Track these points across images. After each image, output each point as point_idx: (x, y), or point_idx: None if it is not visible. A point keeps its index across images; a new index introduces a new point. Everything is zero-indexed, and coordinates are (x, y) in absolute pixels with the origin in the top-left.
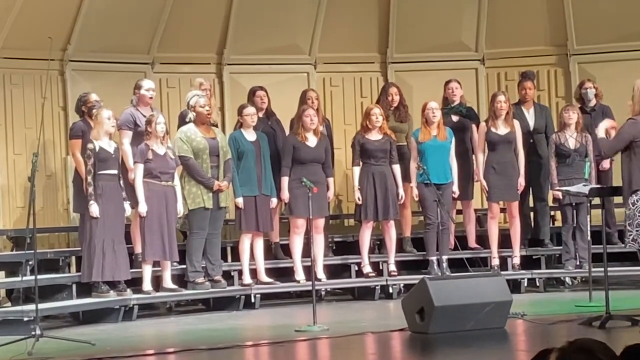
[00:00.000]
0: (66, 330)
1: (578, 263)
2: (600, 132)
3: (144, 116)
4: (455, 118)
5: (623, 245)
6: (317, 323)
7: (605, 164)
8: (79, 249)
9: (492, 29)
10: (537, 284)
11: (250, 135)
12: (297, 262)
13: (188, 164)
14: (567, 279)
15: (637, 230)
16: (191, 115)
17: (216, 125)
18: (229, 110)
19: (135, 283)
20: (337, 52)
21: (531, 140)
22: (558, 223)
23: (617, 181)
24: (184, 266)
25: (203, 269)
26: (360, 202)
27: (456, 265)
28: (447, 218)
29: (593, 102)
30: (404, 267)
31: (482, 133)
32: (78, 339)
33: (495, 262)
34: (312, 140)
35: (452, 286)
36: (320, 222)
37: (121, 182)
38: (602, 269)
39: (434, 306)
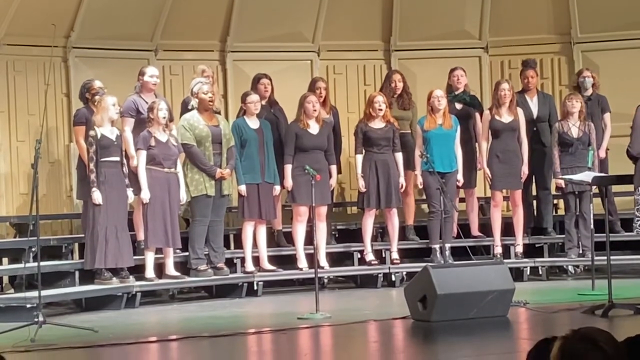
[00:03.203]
0: (69, 317)
1: (581, 251)
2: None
3: (147, 103)
4: (458, 106)
5: (627, 233)
6: (320, 311)
7: (602, 152)
8: (82, 236)
9: (496, 17)
10: (540, 273)
11: (253, 123)
12: (300, 250)
13: (191, 152)
14: (570, 268)
15: None
16: (194, 102)
17: (219, 113)
18: (232, 97)
19: (137, 270)
20: (340, 39)
21: (535, 129)
22: (561, 211)
23: (613, 170)
24: (186, 253)
25: (206, 257)
26: (363, 190)
27: (459, 253)
28: (450, 206)
29: (590, 92)
30: (407, 255)
31: (486, 121)
32: (81, 325)
33: (498, 250)
34: (314, 128)
35: (454, 274)
36: (323, 209)
37: (124, 169)
38: (605, 258)
39: (437, 294)
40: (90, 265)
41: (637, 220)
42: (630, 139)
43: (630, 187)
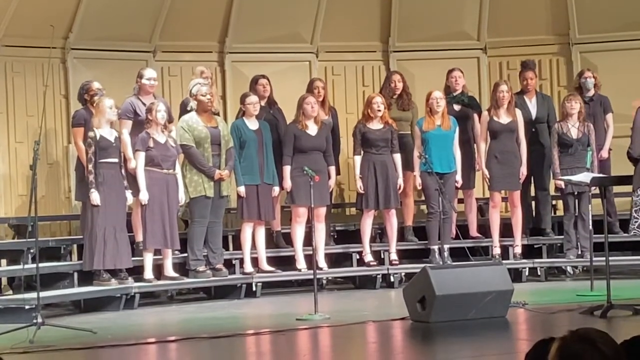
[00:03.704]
0: (67, 319)
1: (579, 252)
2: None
3: (145, 105)
4: (457, 107)
5: (625, 234)
6: (319, 312)
7: (604, 153)
8: (81, 237)
9: (494, 18)
10: (539, 273)
11: (252, 124)
12: (299, 251)
13: (190, 153)
14: (569, 268)
15: None
16: (192, 103)
17: (218, 114)
18: (231, 98)
19: (136, 271)
20: (339, 40)
21: (533, 130)
22: (559, 212)
23: (615, 171)
24: (185, 255)
25: (204, 258)
26: (361, 191)
27: (457, 254)
28: (449, 207)
29: (591, 92)
30: (406, 256)
31: (485, 122)
32: (79, 327)
33: (497, 251)
34: (312, 129)
35: (453, 275)
36: (322, 210)
37: (122, 170)
38: (604, 258)
39: (435, 295)
40: (88, 266)
41: (635, 222)
42: (631, 141)
43: (629, 188)
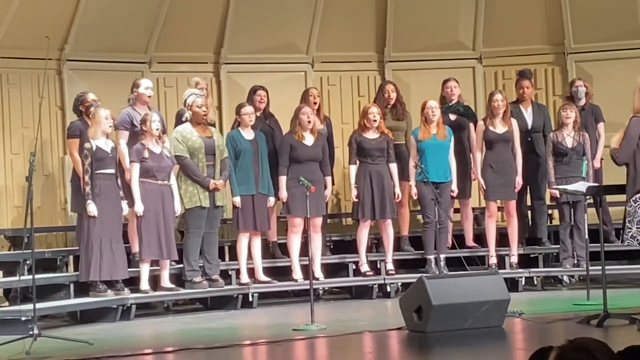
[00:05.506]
0: (64, 330)
1: (576, 261)
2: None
3: (141, 115)
4: (452, 117)
5: (620, 242)
6: (315, 322)
7: (596, 163)
8: (77, 248)
9: (490, 28)
10: (535, 283)
11: (248, 135)
12: (295, 261)
13: (184, 164)
14: (565, 278)
15: (637, 228)
16: (188, 114)
17: (213, 125)
18: (227, 109)
19: (132, 282)
20: (334, 51)
21: (529, 139)
22: (555, 221)
23: (607, 180)
24: (181, 265)
25: (200, 268)
26: (356, 200)
27: (454, 264)
28: (445, 217)
29: (583, 101)
30: (402, 265)
31: (480, 132)
32: (76, 338)
33: (493, 260)
34: (309, 139)
35: (449, 285)
36: (318, 221)
37: (119, 181)
38: (600, 268)
39: (432, 305)
40: (84, 277)
41: (629, 232)
42: (620, 146)
43: (624, 197)
